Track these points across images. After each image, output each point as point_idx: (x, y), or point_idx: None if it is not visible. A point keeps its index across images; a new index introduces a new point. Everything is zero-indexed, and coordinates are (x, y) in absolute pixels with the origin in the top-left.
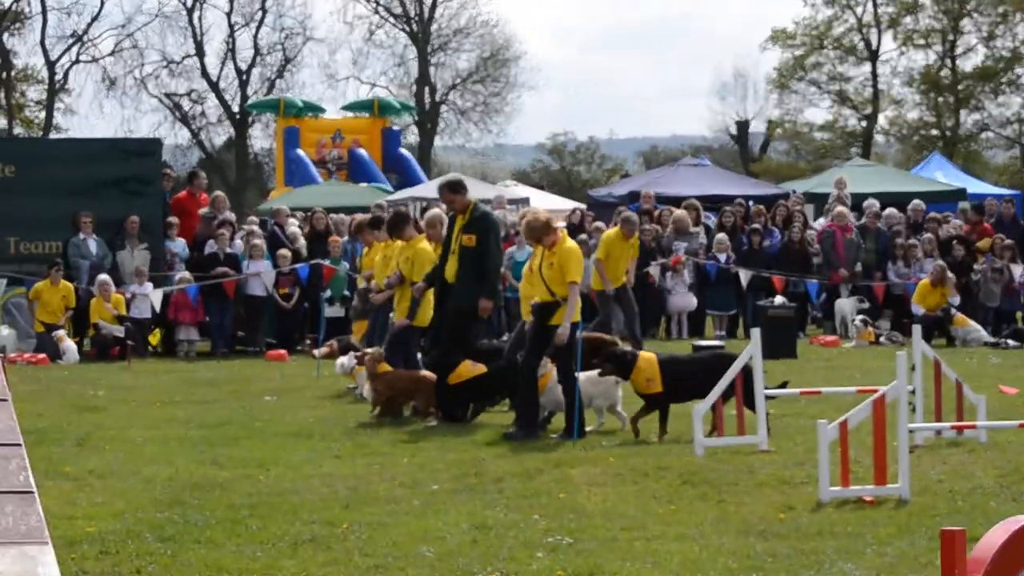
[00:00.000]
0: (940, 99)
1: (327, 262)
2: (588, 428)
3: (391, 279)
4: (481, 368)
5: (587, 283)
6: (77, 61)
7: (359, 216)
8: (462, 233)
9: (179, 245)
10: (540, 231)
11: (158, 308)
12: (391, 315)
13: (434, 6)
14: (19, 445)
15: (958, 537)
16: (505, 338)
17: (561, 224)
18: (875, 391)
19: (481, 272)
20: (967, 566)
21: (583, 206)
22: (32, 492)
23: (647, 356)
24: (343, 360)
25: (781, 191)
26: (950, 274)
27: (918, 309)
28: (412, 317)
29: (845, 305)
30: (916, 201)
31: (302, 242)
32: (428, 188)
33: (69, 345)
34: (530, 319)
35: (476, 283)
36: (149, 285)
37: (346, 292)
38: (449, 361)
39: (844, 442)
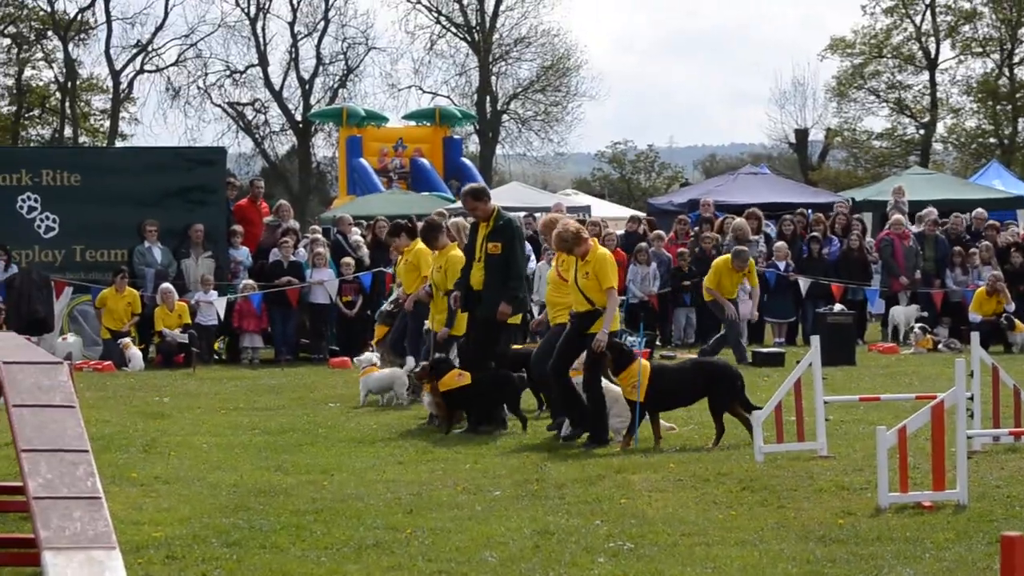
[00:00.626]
0: (998, 107)
1: (389, 270)
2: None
3: (422, 292)
4: (466, 378)
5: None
6: (141, 71)
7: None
8: (487, 241)
9: (243, 253)
10: (572, 241)
11: (222, 316)
12: (425, 324)
13: (495, 16)
14: (86, 451)
15: (1018, 543)
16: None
17: (620, 232)
18: (933, 397)
19: (505, 279)
20: None
21: (643, 215)
22: (100, 497)
23: (643, 364)
24: (363, 357)
25: (840, 199)
26: (1002, 284)
27: (975, 317)
28: (451, 326)
29: (899, 313)
30: (979, 209)
31: (365, 250)
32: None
33: (135, 352)
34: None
35: (502, 290)
36: (214, 293)
37: None
38: (478, 369)
39: (903, 448)
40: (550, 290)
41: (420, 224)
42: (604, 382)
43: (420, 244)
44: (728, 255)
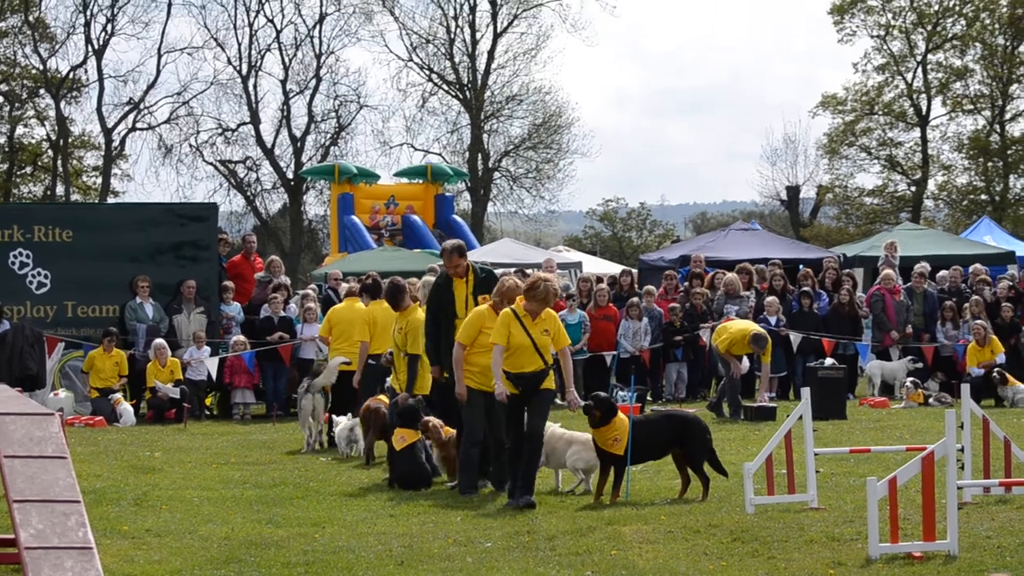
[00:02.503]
0: (989, 164)
1: None
2: (566, 489)
3: (385, 357)
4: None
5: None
6: (133, 128)
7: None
8: (475, 295)
9: (235, 309)
10: (553, 298)
11: (214, 372)
12: (388, 380)
13: (487, 73)
14: (78, 502)
15: None
16: None
17: (604, 286)
18: (924, 449)
19: None
20: None
21: (633, 270)
22: (91, 548)
23: (623, 418)
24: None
25: (831, 255)
26: (992, 335)
27: (975, 371)
28: (411, 389)
29: (875, 368)
30: (976, 265)
31: None
32: (481, 253)
33: (126, 408)
34: (499, 390)
35: None
36: (207, 349)
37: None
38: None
39: (893, 499)
40: (480, 356)
41: (385, 285)
42: (566, 431)
43: (417, 312)
44: (745, 329)
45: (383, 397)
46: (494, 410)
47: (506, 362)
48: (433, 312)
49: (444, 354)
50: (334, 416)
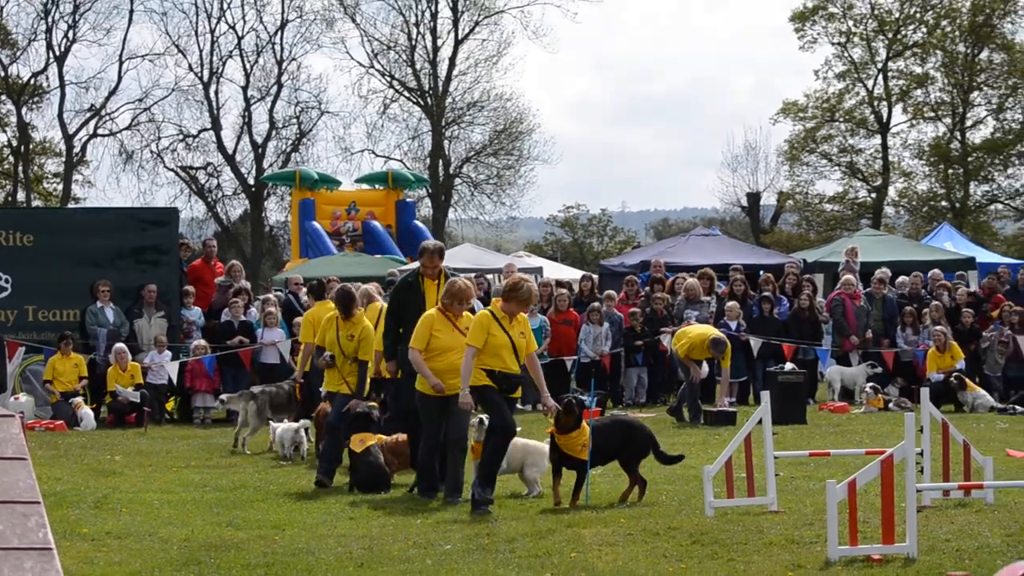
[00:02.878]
0: (950, 171)
1: None
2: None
3: (323, 360)
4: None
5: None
6: (95, 135)
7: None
8: None
9: (195, 313)
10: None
11: (175, 377)
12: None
13: (448, 80)
14: (38, 503)
15: None
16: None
17: (564, 291)
18: (883, 453)
19: None
20: None
21: (594, 276)
22: (51, 549)
23: (586, 423)
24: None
25: (791, 260)
26: (952, 340)
27: (935, 376)
28: (361, 395)
29: (835, 373)
30: (935, 270)
31: None
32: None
33: (86, 412)
34: (463, 398)
35: None
36: (167, 354)
37: None
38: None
39: (852, 502)
40: (449, 357)
41: (335, 291)
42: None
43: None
44: (704, 333)
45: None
46: (452, 411)
47: (491, 360)
48: (395, 310)
49: (404, 354)
50: (271, 421)
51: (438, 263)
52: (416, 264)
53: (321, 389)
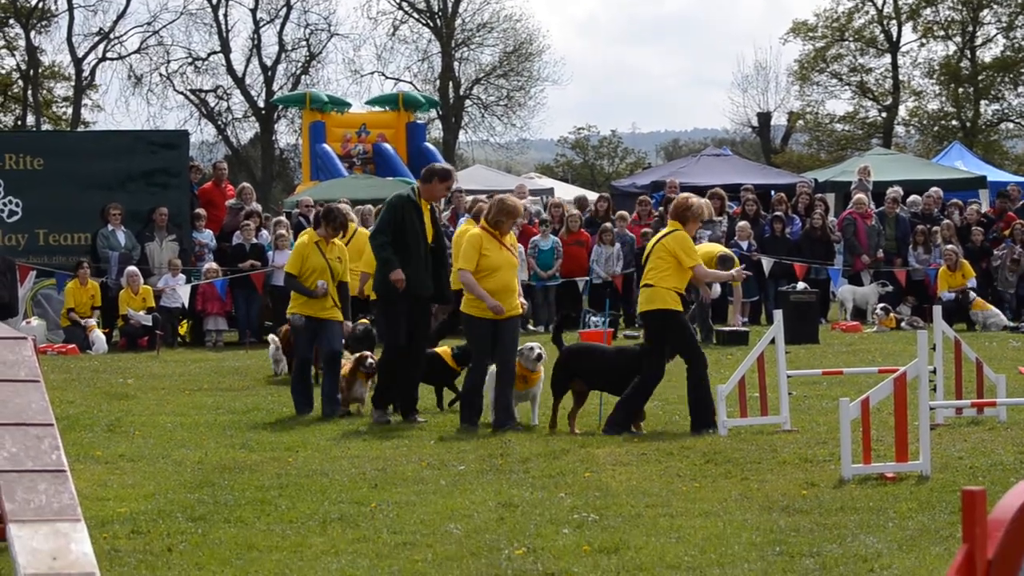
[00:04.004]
0: (960, 90)
1: None
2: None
3: (322, 289)
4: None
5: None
6: (104, 58)
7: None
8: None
9: (207, 236)
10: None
11: (186, 300)
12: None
13: (458, 1)
14: (51, 425)
15: (978, 497)
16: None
17: (575, 212)
18: (896, 371)
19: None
20: (988, 526)
21: (607, 195)
22: (64, 471)
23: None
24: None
25: (803, 180)
26: (963, 259)
27: (946, 295)
28: (349, 316)
29: (847, 292)
30: (934, 188)
31: None
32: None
33: (98, 335)
34: (492, 304)
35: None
36: (181, 277)
37: None
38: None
39: (866, 420)
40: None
41: (324, 211)
42: None
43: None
44: (711, 251)
45: None
46: (503, 334)
47: (493, 280)
48: (397, 227)
49: (420, 273)
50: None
51: (448, 187)
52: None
53: (292, 314)
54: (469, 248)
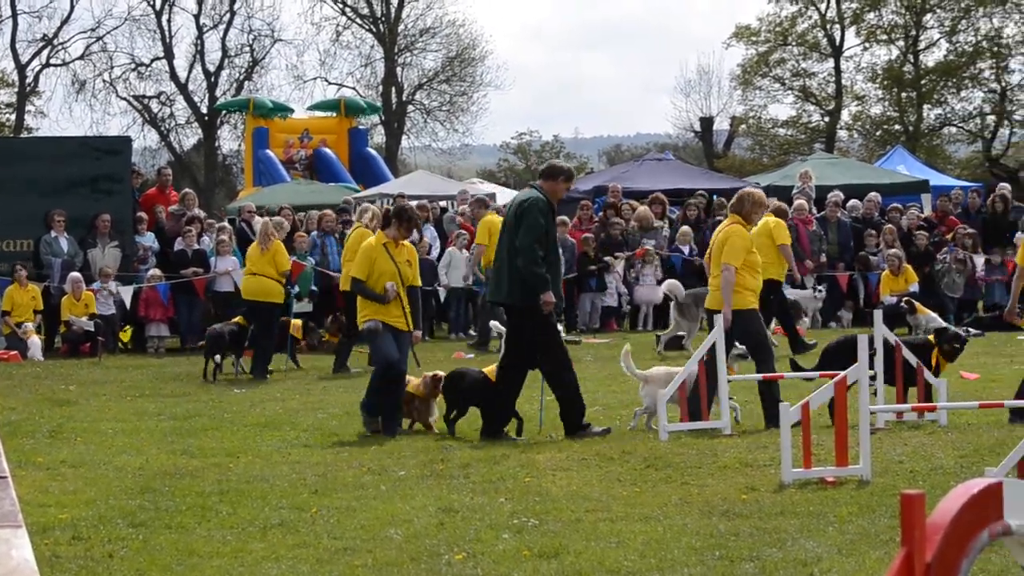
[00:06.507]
0: (903, 94)
1: (295, 258)
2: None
3: (393, 292)
4: None
5: None
6: (47, 64)
7: (329, 212)
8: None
9: (149, 238)
10: None
11: (128, 305)
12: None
13: (401, 6)
14: None
15: (917, 501)
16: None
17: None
18: (837, 375)
19: None
20: (927, 530)
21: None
22: (6, 477)
23: None
24: None
25: (744, 184)
26: (906, 264)
27: (888, 299)
28: (419, 325)
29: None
30: (872, 194)
31: None
32: (395, 186)
33: (34, 340)
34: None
35: None
36: (113, 284)
37: (313, 287)
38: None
39: (806, 424)
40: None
41: (396, 209)
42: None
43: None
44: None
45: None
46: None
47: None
48: (542, 236)
49: (557, 288)
50: None
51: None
52: (370, 192)
53: (368, 323)
54: (739, 248)
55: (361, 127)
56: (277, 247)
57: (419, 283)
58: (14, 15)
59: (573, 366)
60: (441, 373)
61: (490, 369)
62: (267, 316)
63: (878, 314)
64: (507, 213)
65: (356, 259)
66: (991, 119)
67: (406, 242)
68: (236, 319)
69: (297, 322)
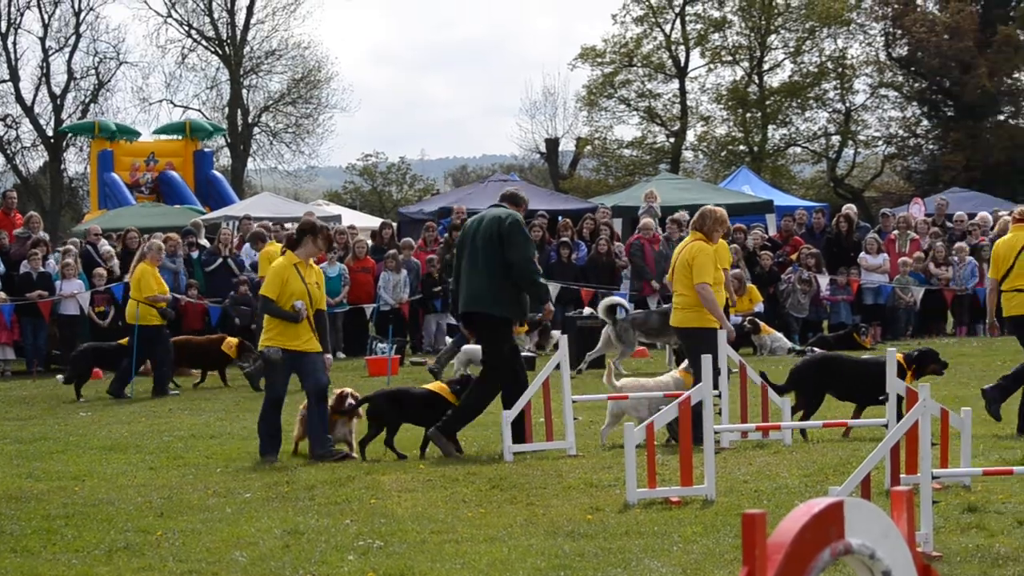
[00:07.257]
0: (748, 115)
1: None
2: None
3: (302, 313)
4: None
5: None
6: None
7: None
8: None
9: None
10: None
11: None
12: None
13: (246, 28)
14: None
15: (758, 520)
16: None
17: (362, 239)
18: (681, 395)
19: None
20: (768, 549)
21: (393, 223)
22: None
23: None
24: None
25: (590, 205)
26: (750, 283)
27: (734, 318)
28: (328, 349)
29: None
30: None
31: (116, 261)
32: (241, 208)
33: None
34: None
35: None
36: None
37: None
38: None
39: (651, 445)
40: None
41: (306, 225)
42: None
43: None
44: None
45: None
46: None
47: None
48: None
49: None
50: None
51: None
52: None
53: (266, 348)
54: (707, 263)
55: (207, 149)
56: (141, 271)
57: (324, 306)
58: None
59: (500, 397)
60: (348, 390)
61: (436, 385)
62: (152, 338)
63: (722, 334)
64: (475, 229)
65: (267, 278)
66: (836, 139)
67: (313, 264)
68: (120, 341)
69: (232, 340)
